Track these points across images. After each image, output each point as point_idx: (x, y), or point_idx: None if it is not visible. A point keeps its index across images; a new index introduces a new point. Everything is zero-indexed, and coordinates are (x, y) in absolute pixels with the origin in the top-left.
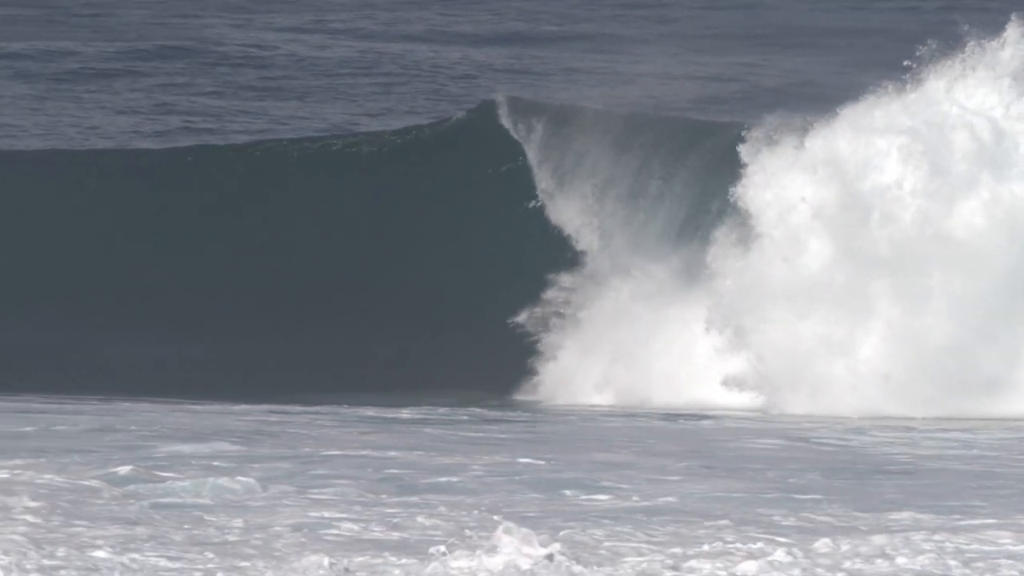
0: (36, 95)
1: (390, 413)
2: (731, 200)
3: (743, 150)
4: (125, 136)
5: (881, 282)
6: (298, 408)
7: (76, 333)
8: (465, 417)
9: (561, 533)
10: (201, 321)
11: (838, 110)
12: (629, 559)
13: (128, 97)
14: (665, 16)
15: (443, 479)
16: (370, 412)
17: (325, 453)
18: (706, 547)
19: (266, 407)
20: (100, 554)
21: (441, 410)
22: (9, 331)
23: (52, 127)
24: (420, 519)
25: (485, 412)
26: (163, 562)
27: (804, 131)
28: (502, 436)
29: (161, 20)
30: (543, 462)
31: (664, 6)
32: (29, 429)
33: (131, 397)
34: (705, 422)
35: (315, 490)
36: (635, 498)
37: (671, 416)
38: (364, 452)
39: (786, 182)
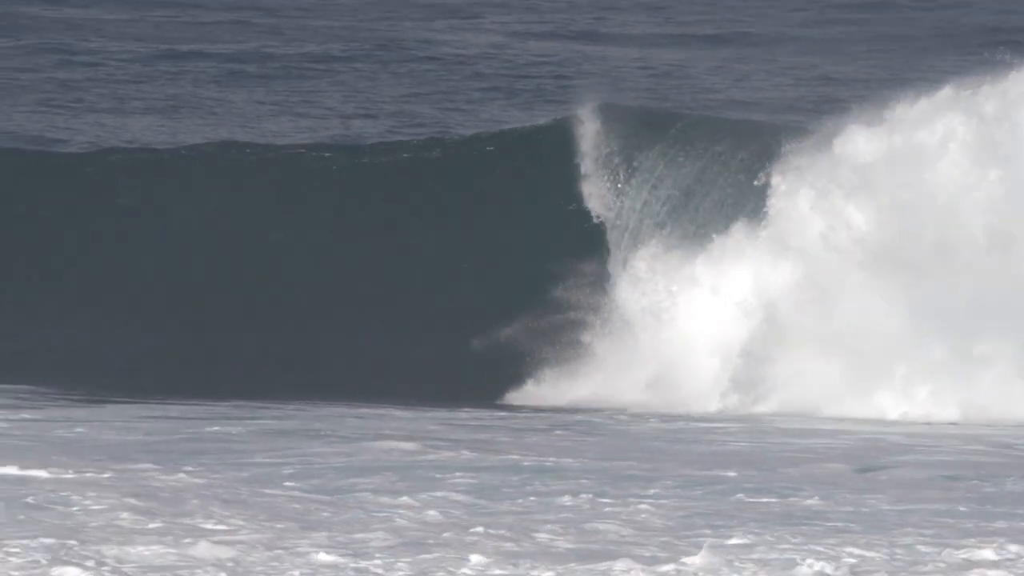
0: (240, 96)
1: (597, 418)
2: (763, 224)
3: (774, 160)
4: (324, 135)
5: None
6: (492, 413)
7: (274, 336)
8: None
9: (748, 537)
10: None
11: (885, 109)
12: (822, 571)
13: (330, 98)
14: (876, 19)
15: (639, 490)
16: (578, 416)
17: (527, 460)
18: (901, 555)
19: (469, 411)
20: (270, 556)
21: (625, 416)
22: (203, 334)
23: (250, 126)
24: (614, 528)
25: (661, 415)
26: (349, 565)
27: (839, 134)
28: (692, 446)
29: (362, 22)
30: (733, 473)
31: (878, 7)
32: (224, 429)
33: (330, 401)
34: (914, 427)
35: (514, 499)
36: (845, 506)
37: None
38: (559, 459)
39: (815, 198)
